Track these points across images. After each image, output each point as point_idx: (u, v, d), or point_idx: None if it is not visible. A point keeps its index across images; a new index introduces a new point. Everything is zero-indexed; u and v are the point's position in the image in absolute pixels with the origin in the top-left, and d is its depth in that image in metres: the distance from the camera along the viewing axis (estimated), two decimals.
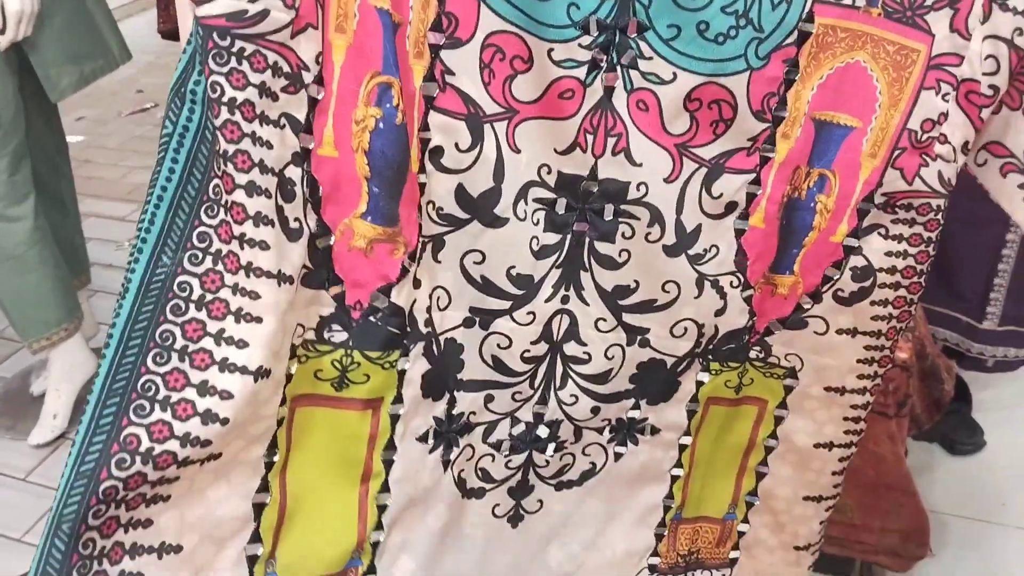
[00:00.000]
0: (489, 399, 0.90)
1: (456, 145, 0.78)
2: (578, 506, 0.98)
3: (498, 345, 0.87)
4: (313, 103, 0.74)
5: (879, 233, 0.87)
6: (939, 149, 0.81)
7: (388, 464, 0.89)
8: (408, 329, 0.84)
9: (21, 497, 1.69)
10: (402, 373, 0.85)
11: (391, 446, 0.88)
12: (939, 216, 0.84)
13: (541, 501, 0.97)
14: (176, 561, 0.79)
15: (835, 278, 0.89)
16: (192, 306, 0.73)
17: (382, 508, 0.90)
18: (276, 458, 0.83)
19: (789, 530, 1.05)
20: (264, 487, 0.83)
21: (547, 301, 0.86)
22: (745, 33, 0.76)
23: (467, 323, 0.86)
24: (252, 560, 0.85)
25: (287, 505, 0.86)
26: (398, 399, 0.87)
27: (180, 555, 0.79)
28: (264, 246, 0.72)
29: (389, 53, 0.73)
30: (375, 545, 0.91)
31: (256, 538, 0.84)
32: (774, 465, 1.01)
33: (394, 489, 0.89)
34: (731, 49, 0.77)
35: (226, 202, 0.71)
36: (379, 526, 0.90)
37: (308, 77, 0.73)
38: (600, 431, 0.94)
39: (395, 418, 0.87)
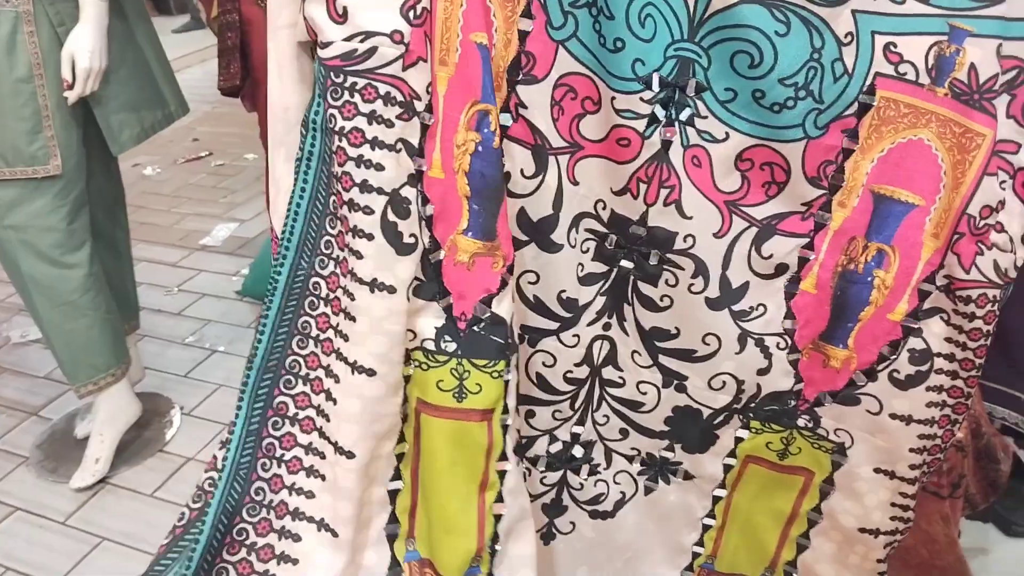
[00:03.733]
0: (530, 415, 0.95)
1: (522, 171, 0.84)
2: (610, 535, 1.01)
3: (543, 363, 0.92)
4: (424, 129, 0.81)
5: (941, 317, 0.84)
6: (995, 238, 0.79)
7: (502, 475, 0.92)
8: (510, 340, 0.88)
9: (59, 541, 1.68)
10: (507, 383, 0.89)
11: (504, 456, 0.91)
12: (996, 307, 0.81)
13: (573, 523, 1.01)
14: (330, 538, 0.88)
15: (892, 358, 0.87)
16: (322, 302, 0.84)
17: (497, 518, 0.93)
18: (406, 450, 0.90)
19: None
20: (397, 475, 0.91)
21: (589, 325, 0.90)
22: (804, 104, 0.78)
23: (517, 339, 0.90)
24: (392, 538, 0.92)
25: (418, 495, 0.92)
26: (505, 409, 0.90)
27: (336, 539, 0.88)
28: (359, 255, 0.80)
29: (488, 83, 0.80)
30: (492, 554, 0.94)
31: (394, 519, 0.92)
32: (816, 540, 0.99)
33: (508, 500, 0.92)
34: (788, 118, 0.78)
35: (341, 216, 0.80)
36: (495, 536, 0.93)
37: (420, 105, 0.80)
38: (630, 460, 0.97)
39: (505, 428, 0.91)
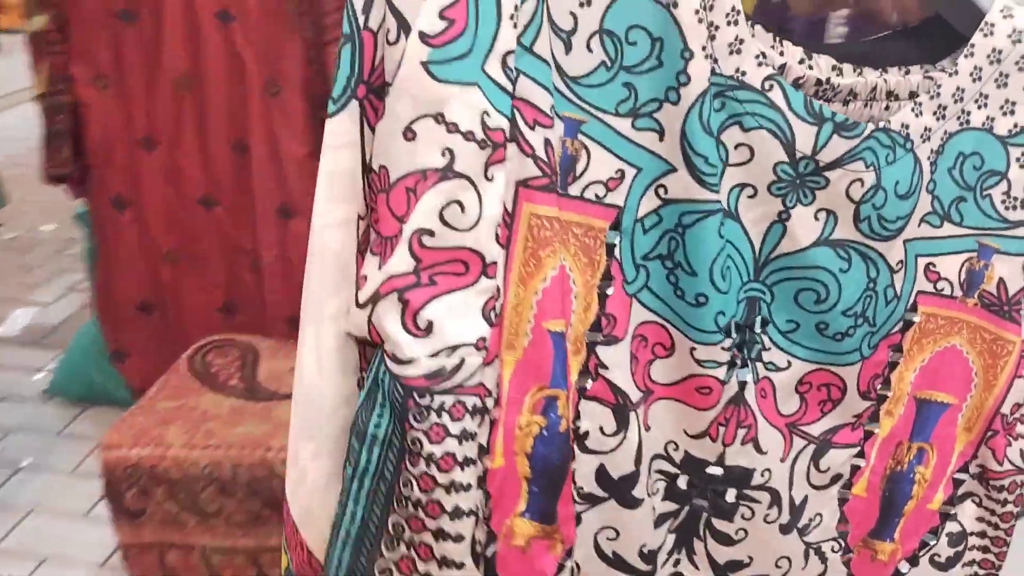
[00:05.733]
0: None
1: (601, 429, 0.78)
2: None
3: None
4: (492, 424, 0.74)
5: (973, 500, 0.91)
6: (1021, 429, 0.87)
7: None
8: None
9: None
10: None
11: None
12: (1022, 491, 0.89)
13: None
14: None
15: (932, 544, 0.92)
16: None
17: None
18: None
19: None
20: None
21: (662, 566, 0.87)
22: (861, 330, 0.80)
23: None
24: None
25: None
26: None
27: None
28: None
29: (559, 370, 0.74)
30: None
31: None
32: None
33: None
34: (848, 345, 0.80)
35: (411, 540, 0.71)
36: None
37: (490, 402, 0.73)
38: None
39: None
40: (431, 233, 0.66)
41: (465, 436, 0.70)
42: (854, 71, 0.77)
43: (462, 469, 0.70)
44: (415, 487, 0.70)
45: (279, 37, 2.02)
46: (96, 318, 2.46)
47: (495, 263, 0.70)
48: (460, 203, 0.66)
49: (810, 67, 0.76)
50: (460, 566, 0.71)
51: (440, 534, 0.70)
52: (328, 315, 0.72)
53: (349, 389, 0.74)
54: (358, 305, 0.69)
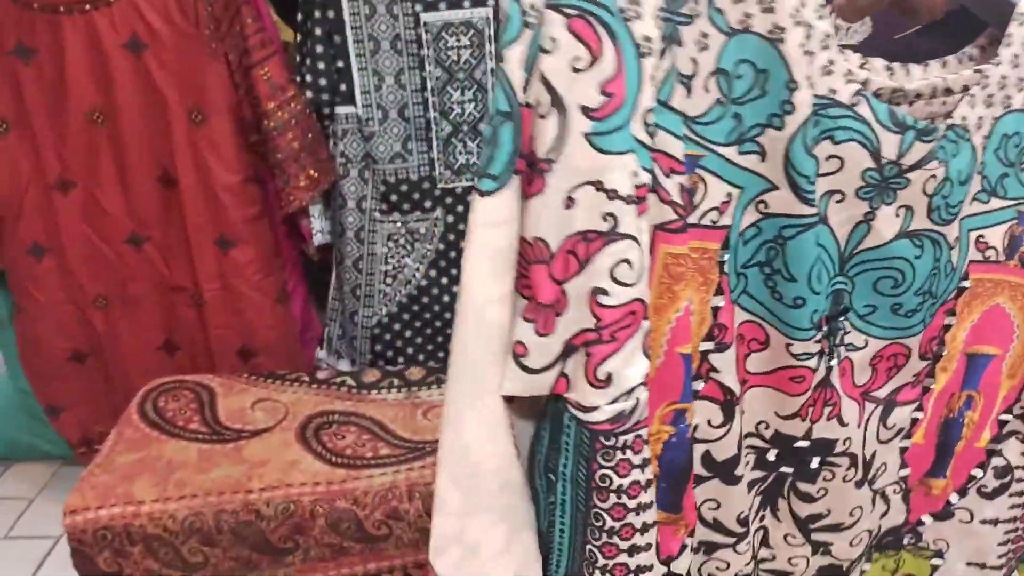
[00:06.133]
0: None
1: (709, 421, 0.86)
2: None
3: (717, 568, 0.96)
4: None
5: (1016, 437, 1.02)
6: None
7: None
8: None
9: None
10: None
11: None
12: None
13: None
14: None
15: (979, 477, 1.04)
16: None
17: None
18: None
19: None
20: None
21: (751, 522, 0.96)
22: (927, 304, 0.89)
23: (692, 550, 0.94)
24: None
25: None
26: None
27: None
28: None
29: (687, 387, 0.81)
30: None
31: None
32: None
33: None
34: (916, 319, 0.90)
35: (606, 567, 0.80)
36: None
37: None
38: None
39: None
40: (605, 292, 0.71)
41: (645, 464, 0.77)
42: (902, 68, 0.84)
43: (646, 491, 0.78)
44: (608, 518, 0.77)
45: (199, 62, 1.92)
46: (14, 373, 2.32)
47: (648, 304, 0.75)
48: (628, 261, 0.71)
49: (867, 69, 0.82)
50: (650, 568, 0.81)
51: (634, 549, 0.79)
52: (494, 387, 0.76)
53: (513, 450, 0.80)
54: (529, 369, 0.73)
